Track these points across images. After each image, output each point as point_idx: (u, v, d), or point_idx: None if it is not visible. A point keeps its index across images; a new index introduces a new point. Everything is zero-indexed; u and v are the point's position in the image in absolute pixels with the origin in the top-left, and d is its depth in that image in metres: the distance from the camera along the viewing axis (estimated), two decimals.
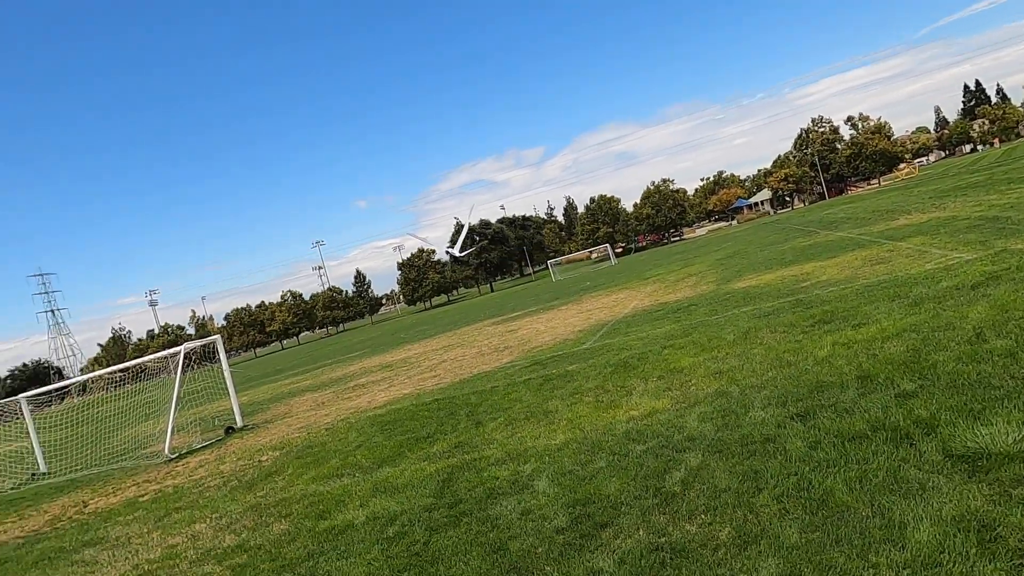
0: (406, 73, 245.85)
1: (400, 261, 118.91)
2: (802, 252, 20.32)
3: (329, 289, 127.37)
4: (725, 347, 9.07)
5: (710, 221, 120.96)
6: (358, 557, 5.11)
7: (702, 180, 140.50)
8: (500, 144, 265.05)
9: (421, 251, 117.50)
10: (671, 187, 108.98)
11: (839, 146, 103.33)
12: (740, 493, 4.36)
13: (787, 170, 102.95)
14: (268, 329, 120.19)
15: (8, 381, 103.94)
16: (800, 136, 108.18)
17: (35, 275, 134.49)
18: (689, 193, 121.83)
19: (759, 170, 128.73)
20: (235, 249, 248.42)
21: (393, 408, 11.84)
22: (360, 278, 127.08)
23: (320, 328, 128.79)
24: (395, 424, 10.19)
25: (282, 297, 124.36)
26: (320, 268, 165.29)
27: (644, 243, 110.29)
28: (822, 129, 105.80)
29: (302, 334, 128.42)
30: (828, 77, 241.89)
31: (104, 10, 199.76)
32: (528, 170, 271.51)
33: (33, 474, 16.17)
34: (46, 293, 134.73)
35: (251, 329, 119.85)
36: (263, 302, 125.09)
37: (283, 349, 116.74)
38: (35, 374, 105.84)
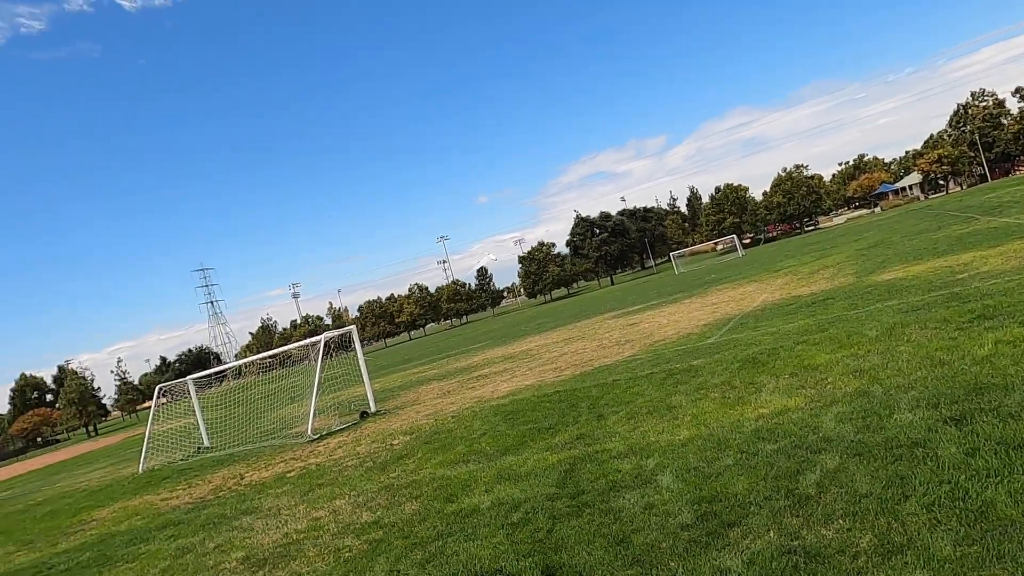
0: (526, 66, 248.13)
1: (521, 255, 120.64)
2: (958, 240, 18.41)
3: (453, 282, 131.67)
4: (866, 344, 8.45)
5: (849, 208, 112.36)
6: (484, 540, 5.31)
7: (840, 165, 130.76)
8: (621, 134, 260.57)
9: (541, 244, 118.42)
10: (804, 173, 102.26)
11: (1005, 121, 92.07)
12: (884, 499, 4.08)
13: (941, 151, 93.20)
14: (397, 320, 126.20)
15: (176, 364, 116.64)
16: (957, 112, 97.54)
17: (198, 270, 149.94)
18: (825, 179, 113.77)
19: (907, 152, 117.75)
20: (367, 245, 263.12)
21: (515, 398, 12.10)
22: (482, 272, 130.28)
23: (445, 320, 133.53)
24: (518, 414, 10.41)
25: (410, 290, 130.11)
26: (444, 262, 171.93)
27: (774, 233, 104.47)
28: (984, 103, 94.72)
29: (428, 325, 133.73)
30: (991, 44, 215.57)
31: (235, 11, 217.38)
32: (650, 160, 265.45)
33: (199, 448, 18.12)
34: (207, 286, 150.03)
35: (382, 320, 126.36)
36: (392, 295, 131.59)
37: (411, 340, 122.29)
38: (198, 359, 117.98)
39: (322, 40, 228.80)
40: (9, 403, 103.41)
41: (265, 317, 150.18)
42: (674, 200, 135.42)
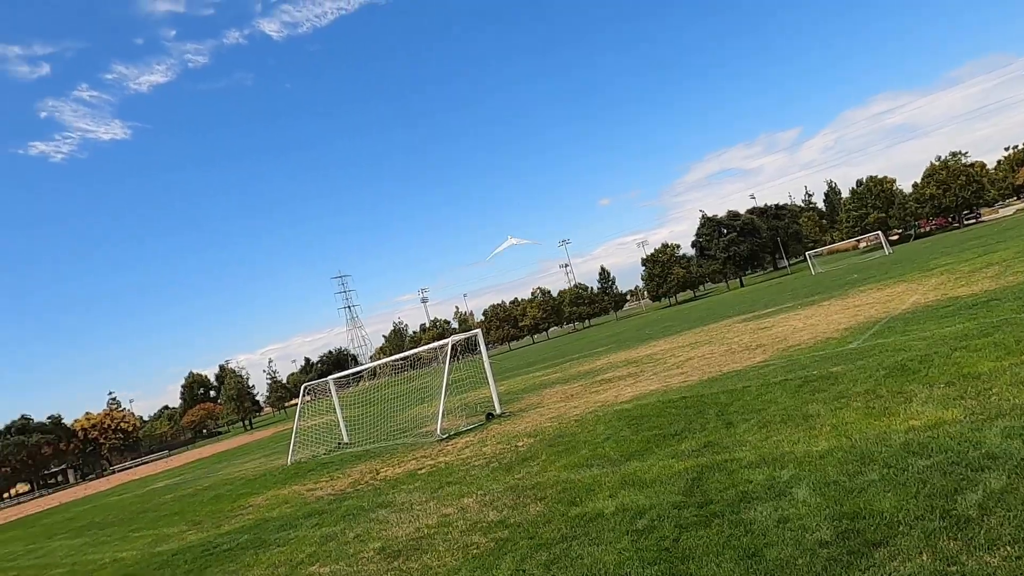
0: (650, 64, 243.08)
1: (644, 256, 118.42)
2: None
3: (575, 286, 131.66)
4: None
5: (1019, 199, 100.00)
6: (608, 545, 5.29)
7: (1007, 150, 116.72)
8: (750, 129, 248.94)
9: (665, 246, 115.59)
10: (963, 161, 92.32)
11: None
12: None
13: None
14: (520, 324, 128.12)
15: (318, 365, 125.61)
16: None
17: (337, 277, 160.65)
18: (988, 166, 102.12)
19: None
20: (493, 249, 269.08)
21: (640, 403, 11.91)
22: (605, 275, 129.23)
23: (567, 324, 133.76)
24: (642, 419, 10.25)
25: (532, 294, 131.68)
26: (567, 266, 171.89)
27: (927, 229, 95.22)
28: None
29: (551, 329, 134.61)
30: None
31: (367, 34, 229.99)
32: (782, 155, 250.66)
33: (339, 443, 19.40)
34: (344, 292, 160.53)
35: (505, 324, 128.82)
36: (516, 298, 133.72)
37: (534, 343, 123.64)
38: (337, 360, 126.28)
39: (448, 52, 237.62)
40: (180, 398, 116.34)
41: (397, 321, 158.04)
42: (809, 196, 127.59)
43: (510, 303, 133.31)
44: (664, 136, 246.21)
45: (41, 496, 70.34)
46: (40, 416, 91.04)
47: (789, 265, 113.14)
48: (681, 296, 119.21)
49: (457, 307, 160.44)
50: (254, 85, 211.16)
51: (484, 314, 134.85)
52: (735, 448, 7.10)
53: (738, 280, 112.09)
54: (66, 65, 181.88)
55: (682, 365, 16.40)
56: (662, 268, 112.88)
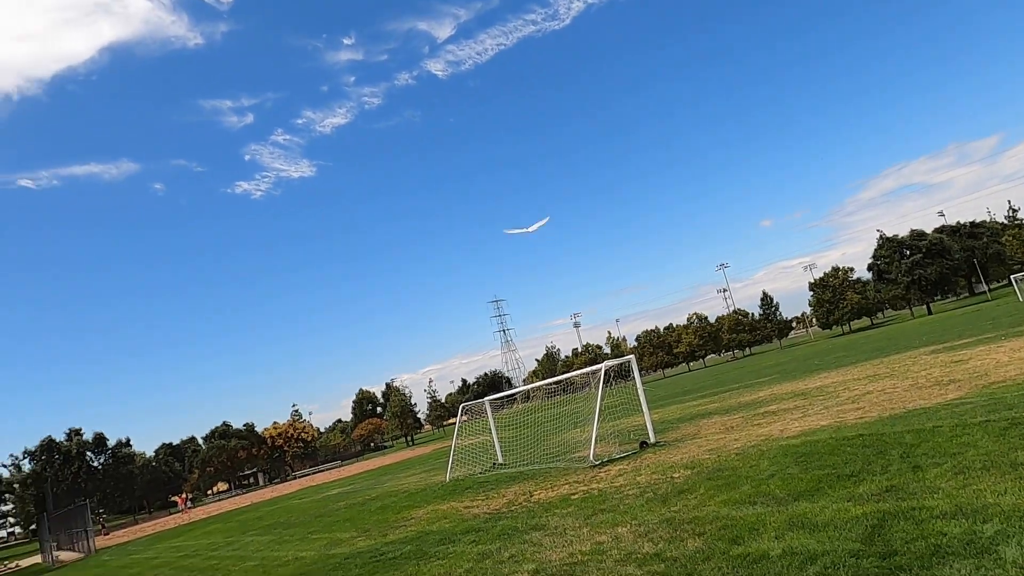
0: (817, 75, 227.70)
1: (812, 281, 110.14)
2: None
3: (734, 312, 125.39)
4: None
5: None
6: None
7: None
8: (936, 139, 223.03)
9: (836, 269, 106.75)
10: None
11: None
12: None
13: None
14: (675, 351, 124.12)
15: (475, 386, 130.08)
16: None
17: (492, 301, 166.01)
18: None
19: None
20: (644, 275, 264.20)
21: (809, 440, 11.05)
22: (767, 300, 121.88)
23: (726, 351, 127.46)
24: (812, 457, 9.49)
25: (688, 320, 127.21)
26: (725, 291, 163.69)
27: None
28: None
29: (708, 356, 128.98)
30: None
31: (524, 68, 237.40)
32: (976, 166, 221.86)
33: (494, 463, 19.92)
34: (499, 316, 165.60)
35: (659, 350, 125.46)
36: (671, 324, 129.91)
37: (689, 371, 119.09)
38: (492, 382, 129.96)
39: (601, 79, 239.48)
40: (351, 412, 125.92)
41: (549, 345, 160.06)
42: (1014, 211, 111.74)
43: (664, 329, 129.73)
44: (834, 152, 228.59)
45: (237, 495, 79.15)
46: (237, 423, 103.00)
47: (989, 290, 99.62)
48: (855, 324, 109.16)
49: (609, 332, 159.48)
50: (421, 122, 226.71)
51: (637, 340, 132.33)
52: (924, 495, 6.36)
53: (924, 307, 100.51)
54: (266, 113, 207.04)
55: (858, 400, 14.99)
56: (833, 293, 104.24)
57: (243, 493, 79.08)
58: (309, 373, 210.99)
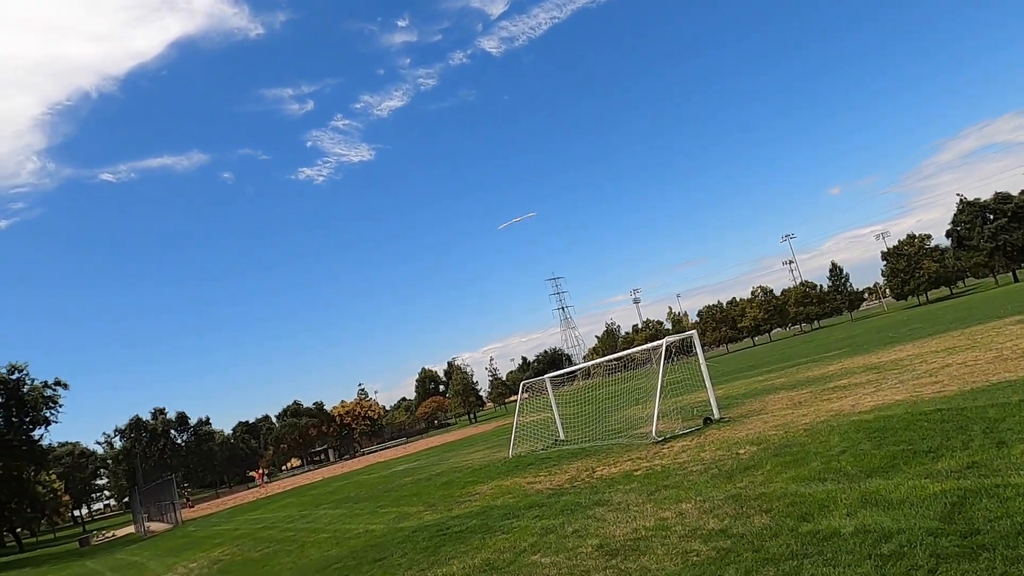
0: (889, 36, 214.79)
1: (885, 250, 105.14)
2: None
3: (801, 284, 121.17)
4: None
5: None
6: (847, 568, 4.82)
7: None
8: (1022, 95, 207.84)
9: (912, 237, 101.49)
10: None
11: None
12: None
13: None
14: (739, 325, 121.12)
15: (535, 364, 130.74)
16: None
17: (551, 279, 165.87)
18: None
19: None
20: (706, 248, 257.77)
21: (883, 415, 10.64)
22: (836, 271, 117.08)
23: (793, 325, 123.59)
24: (886, 432, 9.15)
25: (752, 293, 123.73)
26: (791, 262, 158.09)
27: None
28: None
29: (774, 331, 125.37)
30: None
31: (575, 43, 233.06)
32: None
33: (556, 440, 20.05)
34: (558, 294, 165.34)
35: (722, 325, 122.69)
36: (734, 298, 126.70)
37: (754, 345, 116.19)
38: (552, 359, 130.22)
39: (656, 47, 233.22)
40: (415, 391, 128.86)
41: (609, 322, 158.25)
42: None
43: (727, 303, 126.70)
44: (907, 113, 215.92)
45: (309, 470, 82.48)
46: (307, 402, 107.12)
47: None
48: (933, 294, 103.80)
49: (670, 307, 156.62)
50: (476, 100, 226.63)
51: (699, 315, 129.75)
52: (1010, 472, 6.04)
53: (1010, 274, 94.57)
54: (325, 100, 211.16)
55: (936, 373, 14.32)
56: (908, 262, 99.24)
57: (315, 469, 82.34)
58: (373, 353, 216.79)
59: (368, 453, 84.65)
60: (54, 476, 72.23)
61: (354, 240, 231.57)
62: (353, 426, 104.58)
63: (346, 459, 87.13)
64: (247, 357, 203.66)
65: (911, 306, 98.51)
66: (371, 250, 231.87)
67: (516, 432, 21.38)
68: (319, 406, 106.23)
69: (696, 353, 16.41)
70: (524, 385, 24.27)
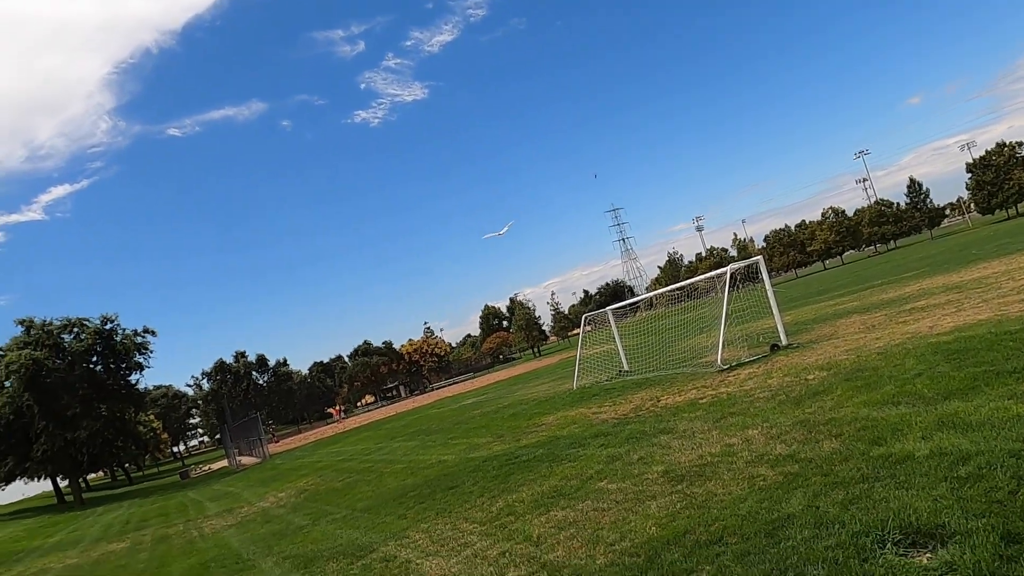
0: None
1: (970, 162, 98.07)
2: None
3: (876, 203, 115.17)
4: None
5: None
6: (920, 491, 4.73)
7: None
8: None
9: (1002, 146, 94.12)
10: None
11: None
12: None
13: None
14: (808, 249, 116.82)
15: (596, 297, 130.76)
16: None
17: (610, 210, 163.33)
18: None
19: None
20: (771, 170, 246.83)
21: (963, 335, 10.17)
22: (915, 187, 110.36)
23: (867, 246, 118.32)
24: (966, 354, 8.76)
25: (823, 215, 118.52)
26: (864, 180, 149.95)
27: None
28: None
29: (846, 253, 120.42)
30: None
31: None
32: None
33: (619, 371, 20.18)
34: (618, 225, 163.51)
35: (790, 250, 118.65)
36: (803, 221, 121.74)
37: (825, 269, 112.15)
38: (614, 292, 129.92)
39: None
40: (479, 327, 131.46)
41: (671, 251, 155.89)
42: None
43: (795, 226, 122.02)
44: (995, 11, 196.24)
45: (382, 406, 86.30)
46: (376, 341, 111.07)
47: None
48: (1023, 207, 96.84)
49: (735, 234, 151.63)
50: (527, 28, 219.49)
51: (765, 240, 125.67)
52: None
53: None
54: (376, 39, 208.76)
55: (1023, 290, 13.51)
56: (996, 173, 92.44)
57: (387, 404, 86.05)
58: (437, 292, 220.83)
59: (437, 388, 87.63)
60: (152, 416, 78.33)
61: (413, 180, 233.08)
62: (421, 363, 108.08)
63: (416, 395, 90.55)
64: (318, 300, 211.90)
65: (998, 220, 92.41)
66: (430, 190, 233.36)
67: (579, 364, 21.62)
68: (388, 345, 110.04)
69: (762, 279, 16.00)
70: (586, 318, 24.34)
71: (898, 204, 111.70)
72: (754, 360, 14.23)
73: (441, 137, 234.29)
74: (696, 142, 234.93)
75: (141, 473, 78.22)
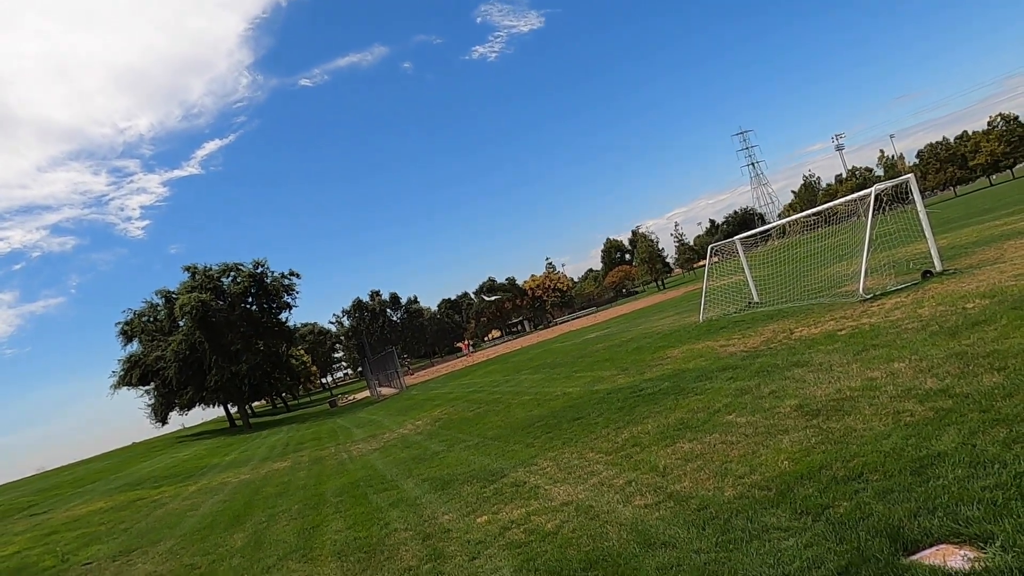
0: None
1: None
2: None
3: None
4: None
5: None
6: None
7: None
8: None
9: None
10: None
11: None
12: None
13: None
14: (971, 164, 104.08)
15: (724, 226, 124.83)
16: None
17: (737, 134, 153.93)
18: None
19: None
20: (925, 77, 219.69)
21: None
22: None
23: None
24: None
25: (989, 123, 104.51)
26: None
27: None
28: None
29: (1017, 166, 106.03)
30: None
31: None
32: None
33: (749, 302, 19.35)
34: (746, 149, 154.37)
35: (949, 165, 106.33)
36: (964, 132, 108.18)
37: (991, 186, 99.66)
38: (743, 220, 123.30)
39: None
40: (601, 261, 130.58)
41: (807, 174, 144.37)
42: None
43: (956, 139, 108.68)
44: None
45: (507, 341, 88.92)
46: (500, 278, 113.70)
47: None
48: None
49: (882, 151, 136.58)
50: None
51: (918, 156, 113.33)
52: None
53: None
54: None
55: None
56: None
57: (512, 339, 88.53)
58: (559, 227, 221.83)
59: (560, 323, 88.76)
60: (302, 351, 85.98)
61: (532, 114, 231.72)
62: (544, 298, 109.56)
63: (540, 329, 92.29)
64: (444, 239, 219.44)
65: None
66: (549, 123, 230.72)
67: (706, 296, 20.95)
68: (511, 281, 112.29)
69: (913, 200, 14.49)
70: (712, 248, 23.37)
71: None
72: (902, 288, 13.09)
73: (560, 67, 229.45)
74: (833, 49, 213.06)
75: (296, 401, 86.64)
